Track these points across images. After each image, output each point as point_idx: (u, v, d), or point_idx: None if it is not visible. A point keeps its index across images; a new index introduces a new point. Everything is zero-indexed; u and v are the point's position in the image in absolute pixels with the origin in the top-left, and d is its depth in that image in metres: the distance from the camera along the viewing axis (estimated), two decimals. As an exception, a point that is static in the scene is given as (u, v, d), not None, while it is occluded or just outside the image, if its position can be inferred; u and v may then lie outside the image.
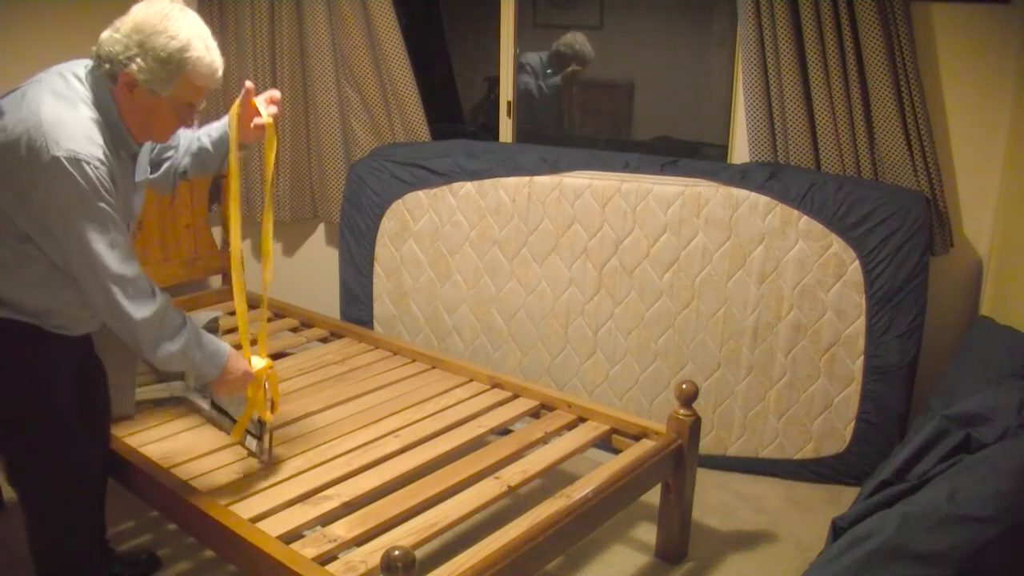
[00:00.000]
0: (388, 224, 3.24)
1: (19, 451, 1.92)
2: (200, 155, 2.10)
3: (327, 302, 3.60)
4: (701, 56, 3.64)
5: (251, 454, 2.23)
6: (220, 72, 1.80)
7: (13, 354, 1.82)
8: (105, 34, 1.72)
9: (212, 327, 2.67)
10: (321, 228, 3.78)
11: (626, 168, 2.93)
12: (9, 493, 2.56)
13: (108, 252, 1.71)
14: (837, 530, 1.77)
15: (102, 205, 1.69)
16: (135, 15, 1.71)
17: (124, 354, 2.31)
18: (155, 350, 1.83)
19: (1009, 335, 2.23)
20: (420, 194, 3.17)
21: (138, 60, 1.69)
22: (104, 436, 2.17)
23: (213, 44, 1.78)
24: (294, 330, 3.23)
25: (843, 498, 2.68)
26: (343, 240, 3.34)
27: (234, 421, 2.31)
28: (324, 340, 3.14)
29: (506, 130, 3.50)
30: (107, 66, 1.71)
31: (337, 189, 3.52)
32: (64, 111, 1.68)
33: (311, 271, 3.82)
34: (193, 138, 2.11)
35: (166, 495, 2.06)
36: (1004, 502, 1.43)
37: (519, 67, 3.54)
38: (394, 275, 3.27)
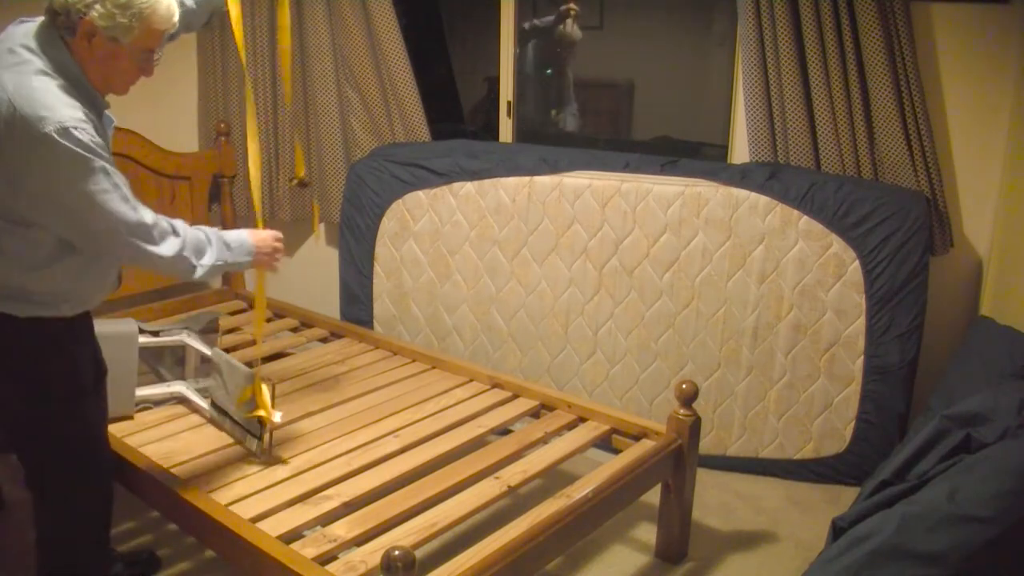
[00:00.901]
0: (388, 224, 3.24)
1: (46, 448, 1.91)
2: (185, 16, 2.06)
3: (327, 302, 3.60)
4: (701, 56, 3.64)
5: (251, 454, 2.23)
6: (177, 16, 1.80)
7: (41, 352, 1.82)
8: None
9: (212, 326, 2.67)
10: (321, 228, 3.78)
11: (626, 168, 2.93)
12: (9, 494, 2.55)
13: (124, 206, 1.73)
14: (837, 530, 1.77)
15: (103, 164, 1.69)
16: None
17: (124, 354, 2.31)
18: (194, 272, 1.90)
19: (1009, 335, 2.23)
20: (420, 194, 3.17)
21: (97, 7, 1.66)
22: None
23: None
24: (294, 330, 3.23)
25: (843, 498, 2.68)
26: (343, 240, 3.34)
27: (234, 421, 2.31)
28: (324, 340, 3.14)
29: (506, 130, 3.50)
30: (62, 17, 1.67)
31: (337, 189, 3.52)
32: (31, 84, 1.65)
33: (311, 271, 3.82)
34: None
35: (166, 495, 2.06)
36: (1004, 502, 1.43)
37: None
38: (394, 275, 3.27)
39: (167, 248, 1.83)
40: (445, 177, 3.13)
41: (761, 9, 2.71)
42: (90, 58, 1.72)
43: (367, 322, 3.33)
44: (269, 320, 3.31)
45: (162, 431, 2.36)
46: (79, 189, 1.67)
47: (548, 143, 3.34)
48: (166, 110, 3.75)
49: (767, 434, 2.87)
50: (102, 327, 2.06)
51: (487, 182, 3.07)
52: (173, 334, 2.55)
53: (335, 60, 3.42)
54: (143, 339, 2.47)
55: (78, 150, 1.64)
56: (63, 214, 1.70)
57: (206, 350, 2.50)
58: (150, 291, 3.31)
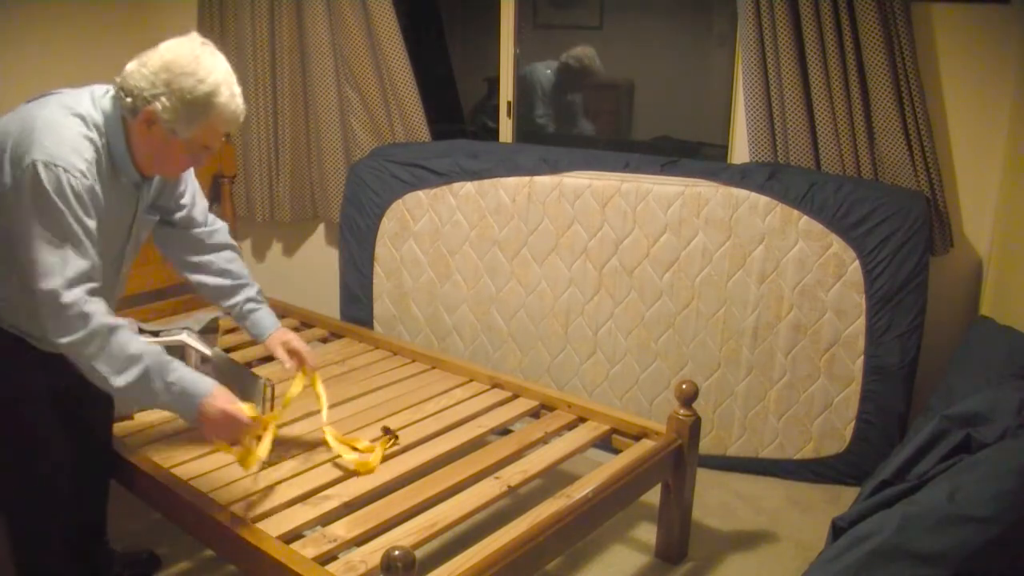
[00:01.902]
0: (388, 224, 3.24)
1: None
2: (233, 307, 2.12)
3: (327, 302, 3.60)
4: (701, 56, 3.64)
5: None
6: (242, 118, 1.79)
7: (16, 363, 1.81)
8: (131, 67, 1.70)
9: (212, 326, 2.66)
10: (321, 228, 3.78)
11: (626, 168, 2.93)
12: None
13: (52, 265, 1.62)
14: (837, 530, 1.76)
15: (68, 219, 1.62)
16: (164, 53, 1.69)
17: None
18: (105, 382, 1.70)
19: (1009, 335, 2.23)
20: (420, 194, 3.17)
21: (163, 99, 1.67)
22: (104, 436, 2.16)
23: (238, 89, 1.76)
24: (294, 330, 3.22)
25: (843, 498, 2.68)
26: (343, 240, 3.34)
27: None
28: (324, 340, 3.14)
29: (506, 130, 3.50)
30: (129, 100, 1.69)
31: (337, 189, 3.52)
32: (60, 120, 1.66)
33: (311, 271, 3.82)
34: (238, 282, 2.14)
35: (166, 495, 2.06)
36: (1004, 502, 1.43)
37: (525, 78, 3.54)
38: (394, 275, 3.27)
39: (61, 332, 1.64)
40: (445, 177, 3.13)
41: (761, 9, 2.71)
42: (144, 142, 1.73)
43: (367, 322, 3.33)
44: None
45: (162, 431, 2.36)
46: (29, 221, 1.61)
47: (548, 143, 3.34)
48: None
49: (767, 434, 2.87)
50: None
51: (487, 182, 3.07)
52: (173, 334, 2.55)
53: (335, 60, 3.42)
54: (143, 339, 2.46)
55: (50, 189, 1.60)
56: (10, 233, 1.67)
57: (206, 350, 2.50)
58: (150, 291, 3.31)
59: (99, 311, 1.67)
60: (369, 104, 3.44)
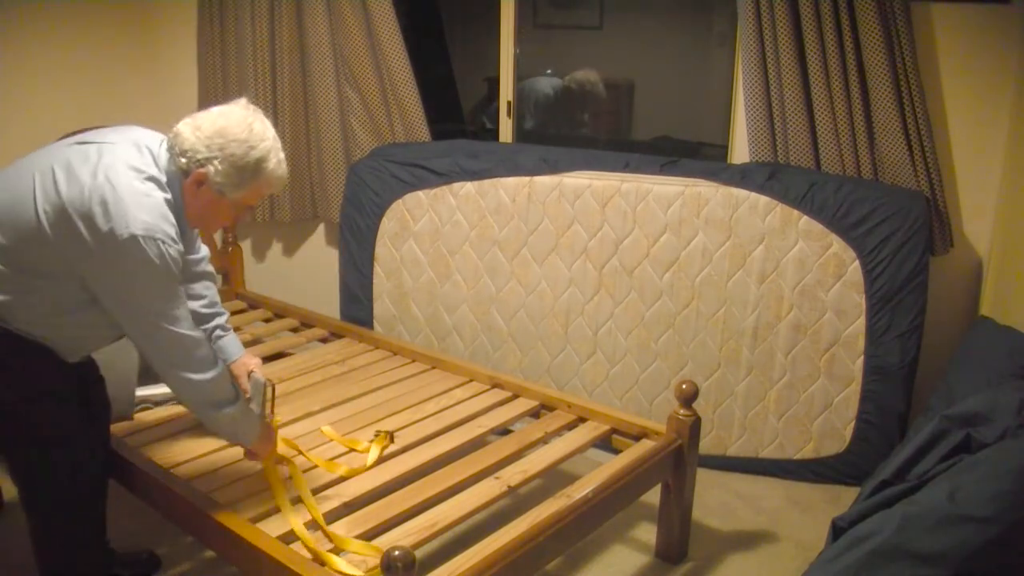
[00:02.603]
0: (388, 224, 3.24)
1: (19, 451, 1.95)
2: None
3: (327, 302, 3.60)
4: (701, 56, 3.64)
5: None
6: (286, 181, 1.93)
7: (10, 357, 1.83)
8: (185, 130, 1.78)
9: None
10: (321, 228, 3.78)
11: (626, 168, 2.93)
12: (9, 493, 2.55)
13: (180, 326, 1.78)
14: (837, 530, 1.76)
15: (173, 283, 1.76)
16: (217, 119, 1.78)
17: (124, 355, 2.31)
18: (210, 410, 1.91)
19: (1009, 335, 2.23)
20: (420, 194, 3.17)
21: (216, 163, 1.75)
22: (104, 436, 2.17)
23: (283, 155, 1.87)
24: (294, 330, 3.23)
25: (843, 498, 2.68)
26: (343, 240, 3.34)
27: None
28: (324, 340, 3.14)
29: (506, 130, 3.50)
30: (183, 160, 1.77)
31: (337, 189, 3.52)
32: (140, 188, 1.71)
33: (311, 271, 3.82)
34: (212, 310, 2.20)
35: (166, 496, 2.06)
36: (1004, 502, 1.43)
37: (523, 89, 3.54)
38: (394, 275, 3.27)
39: (202, 373, 1.84)
40: (445, 177, 3.13)
41: (761, 9, 2.71)
42: (192, 199, 1.81)
43: (367, 322, 3.33)
44: (269, 320, 3.32)
45: (162, 431, 2.36)
46: (144, 297, 1.74)
47: (548, 143, 3.34)
48: (166, 110, 3.75)
49: (767, 434, 2.87)
50: None
51: (487, 182, 3.07)
52: None
53: (335, 60, 3.42)
54: None
55: (156, 261, 1.69)
56: (115, 307, 1.77)
57: None
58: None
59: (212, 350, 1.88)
60: (369, 104, 3.44)
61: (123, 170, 1.71)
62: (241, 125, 1.78)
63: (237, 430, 1.99)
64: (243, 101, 1.86)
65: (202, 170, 1.76)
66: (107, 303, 1.77)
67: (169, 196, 1.76)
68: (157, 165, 1.78)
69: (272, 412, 2.21)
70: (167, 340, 1.78)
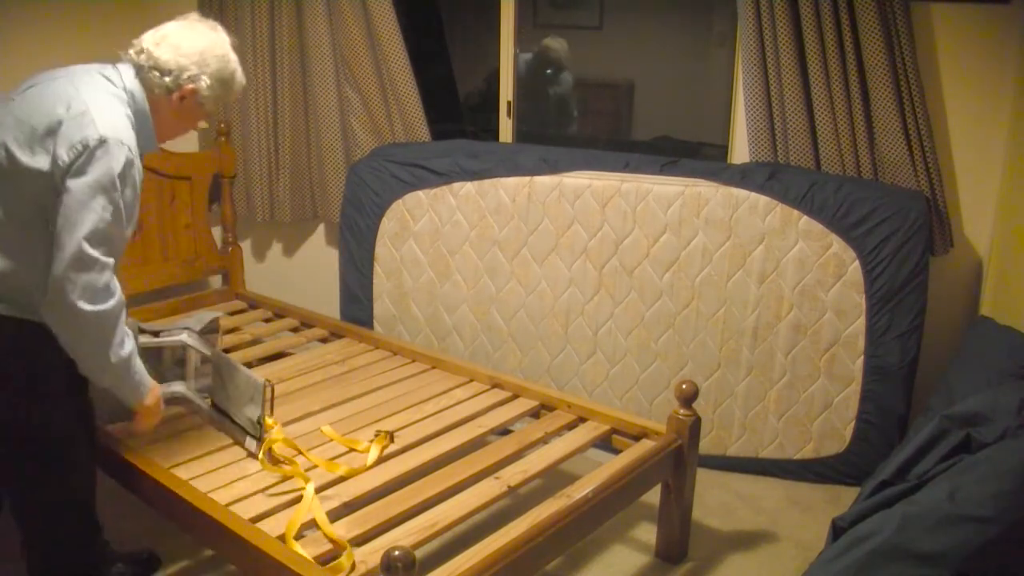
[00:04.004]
0: (388, 224, 3.24)
1: (22, 453, 1.94)
2: None
3: (327, 302, 3.60)
4: (701, 56, 3.64)
5: (250, 455, 2.23)
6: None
7: (12, 357, 1.84)
8: (161, 52, 1.88)
9: (212, 327, 2.66)
10: (321, 228, 3.78)
11: (626, 168, 2.93)
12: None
13: (101, 236, 1.74)
14: (837, 530, 1.77)
15: (129, 195, 1.78)
16: (195, 39, 1.92)
17: None
18: (105, 351, 1.81)
19: (1009, 335, 2.23)
20: (420, 194, 3.17)
21: (205, 79, 1.91)
22: (93, 430, 2.17)
23: None
24: (294, 330, 3.23)
25: (843, 498, 2.68)
26: (343, 240, 3.34)
27: (233, 422, 2.31)
28: (324, 340, 3.14)
29: (506, 130, 3.50)
30: (167, 79, 1.88)
31: (337, 189, 3.51)
32: (110, 101, 1.80)
33: (311, 271, 3.82)
34: None
35: (166, 495, 2.06)
36: (1004, 502, 1.43)
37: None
38: (394, 275, 3.27)
39: (91, 302, 1.74)
40: (445, 177, 3.13)
41: (761, 9, 2.71)
42: (169, 113, 1.93)
43: (367, 322, 3.33)
44: (269, 320, 3.32)
45: (162, 431, 2.36)
46: (90, 193, 1.72)
47: (548, 143, 3.34)
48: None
49: (767, 434, 2.87)
50: None
51: (487, 182, 3.07)
52: (174, 335, 2.55)
53: (335, 60, 3.42)
54: (143, 339, 2.46)
55: (117, 164, 1.74)
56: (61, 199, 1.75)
57: (206, 351, 2.50)
58: (150, 291, 3.32)
59: (118, 287, 1.83)
60: (369, 104, 3.44)
61: (94, 89, 1.80)
62: (217, 41, 1.95)
63: (127, 383, 1.92)
64: (195, 15, 1.99)
65: (192, 86, 1.90)
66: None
67: (130, 114, 1.84)
68: (124, 87, 1.86)
69: (270, 413, 2.21)
70: (82, 261, 1.72)
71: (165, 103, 1.91)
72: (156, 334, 2.54)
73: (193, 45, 1.91)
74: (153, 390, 2.02)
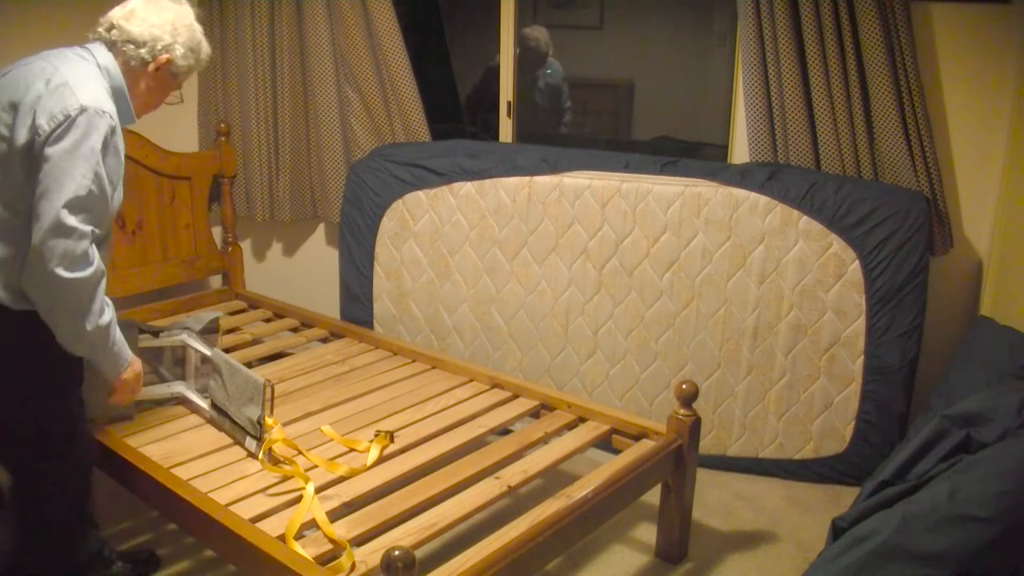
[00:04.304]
0: (388, 224, 3.24)
1: (29, 450, 1.94)
2: None
3: (327, 302, 3.60)
4: (701, 56, 3.64)
5: (250, 455, 2.23)
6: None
7: (28, 343, 1.84)
8: (131, 27, 1.91)
9: (213, 327, 2.66)
10: (321, 228, 3.78)
11: (626, 168, 2.93)
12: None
13: (81, 204, 1.73)
14: (837, 530, 1.77)
15: (112, 163, 1.82)
16: (162, 11, 1.94)
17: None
18: (83, 318, 1.79)
19: (1009, 335, 2.23)
20: (420, 194, 3.17)
21: (179, 47, 1.95)
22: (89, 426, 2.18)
23: None
24: (294, 330, 3.23)
25: (843, 498, 2.68)
26: (343, 240, 3.34)
27: (233, 422, 2.31)
28: (324, 340, 3.14)
29: (506, 130, 3.50)
30: (143, 51, 1.91)
31: (337, 189, 3.52)
32: (89, 73, 1.83)
33: (311, 271, 3.82)
34: None
35: (166, 495, 2.06)
36: (1004, 502, 1.43)
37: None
38: (394, 275, 3.27)
39: (70, 269, 1.73)
40: (445, 177, 3.13)
41: (761, 9, 2.71)
42: (144, 85, 1.96)
43: (367, 322, 3.33)
44: (269, 320, 3.32)
45: (162, 431, 2.36)
46: (73, 161, 1.73)
47: (548, 143, 3.34)
48: (166, 110, 3.74)
49: (767, 434, 2.87)
50: None
51: (487, 182, 3.07)
52: (174, 335, 2.55)
53: (335, 60, 3.42)
54: (143, 339, 2.46)
55: (99, 132, 1.77)
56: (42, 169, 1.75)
57: (206, 351, 2.50)
58: (150, 291, 3.32)
59: (96, 255, 1.80)
60: (369, 104, 3.44)
61: (73, 65, 1.83)
62: (182, 12, 1.99)
63: (105, 353, 1.91)
64: None
65: (167, 55, 1.93)
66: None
67: (109, 88, 1.87)
68: (99, 63, 1.89)
69: (271, 413, 2.21)
70: (60, 228, 1.71)
71: (141, 76, 1.94)
72: (156, 334, 2.54)
73: (162, 16, 1.94)
74: (133, 364, 2.01)
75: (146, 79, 1.95)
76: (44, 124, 1.73)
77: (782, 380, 2.82)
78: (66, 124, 1.73)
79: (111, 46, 1.91)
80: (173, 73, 1.98)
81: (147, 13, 1.93)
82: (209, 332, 2.64)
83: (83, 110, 1.74)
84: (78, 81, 1.78)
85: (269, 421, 2.22)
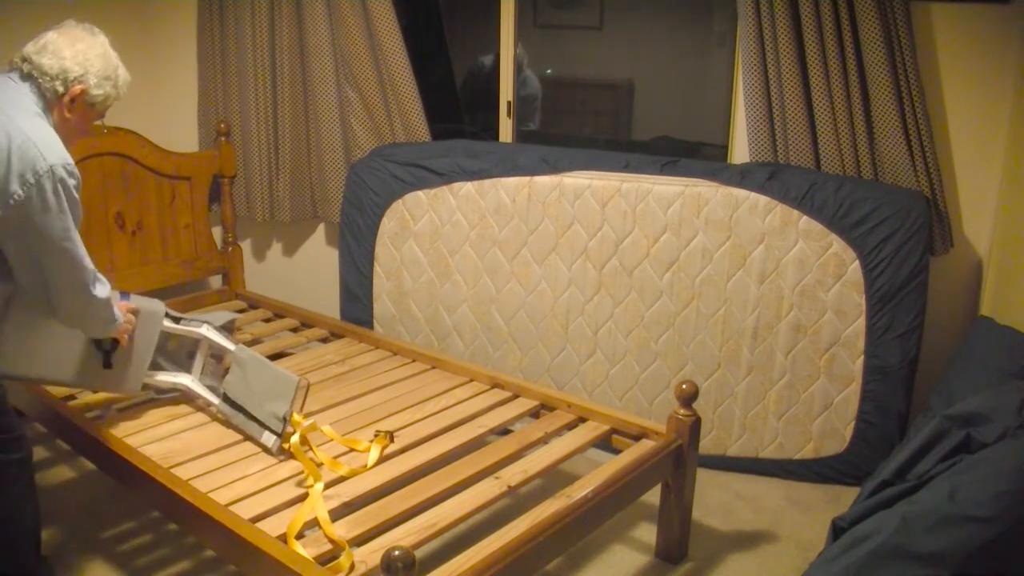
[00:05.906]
0: (388, 224, 3.24)
1: None
2: None
3: (327, 302, 3.60)
4: (701, 56, 3.64)
5: (265, 450, 2.23)
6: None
7: None
8: (44, 60, 1.92)
9: (229, 327, 2.66)
10: (321, 228, 3.78)
11: (626, 168, 2.93)
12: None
13: (84, 253, 1.93)
14: (837, 530, 1.77)
15: (79, 212, 1.91)
16: (73, 42, 1.95)
17: (146, 331, 2.31)
18: (108, 326, 2.10)
19: (1009, 335, 2.23)
20: (420, 194, 3.17)
21: (91, 78, 1.95)
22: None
23: None
24: (294, 330, 3.23)
25: (843, 498, 2.68)
26: (343, 240, 3.34)
27: (250, 416, 2.30)
28: (324, 340, 3.14)
29: (506, 130, 3.50)
30: (57, 84, 1.92)
31: (337, 189, 3.52)
32: (42, 125, 1.87)
33: (311, 271, 3.82)
34: None
35: (166, 495, 2.06)
36: (1004, 502, 1.43)
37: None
38: (394, 275, 3.27)
39: (102, 290, 2.01)
40: (445, 177, 3.13)
41: (761, 9, 2.71)
42: (62, 119, 1.97)
43: (367, 322, 3.33)
44: (269, 320, 3.32)
45: (162, 431, 2.36)
46: (63, 224, 1.85)
47: (548, 143, 3.34)
48: (166, 110, 3.75)
49: (767, 434, 2.87)
50: (134, 300, 2.26)
51: (487, 182, 3.07)
52: (193, 326, 2.54)
53: (335, 60, 3.42)
54: (166, 323, 2.46)
55: (73, 191, 1.87)
56: (25, 244, 1.84)
57: (230, 345, 2.50)
58: (150, 292, 3.31)
59: (97, 273, 2.00)
60: (369, 104, 3.44)
61: (24, 117, 1.86)
62: (95, 42, 1.99)
63: (112, 326, 2.14)
64: (72, 22, 2.02)
65: (80, 86, 1.94)
66: (17, 250, 1.85)
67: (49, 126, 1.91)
68: (35, 104, 1.91)
69: (300, 410, 2.22)
70: (74, 263, 1.91)
71: (58, 108, 1.96)
72: (177, 321, 2.52)
73: (73, 48, 1.95)
74: (123, 325, 2.18)
75: (63, 111, 1.96)
76: (18, 189, 1.78)
77: (782, 380, 2.82)
78: (38, 188, 1.79)
79: (27, 78, 1.93)
80: (90, 103, 1.99)
81: (58, 46, 1.94)
82: (226, 331, 2.64)
83: (51, 170, 1.80)
84: (37, 134, 1.82)
85: (297, 417, 2.23)
